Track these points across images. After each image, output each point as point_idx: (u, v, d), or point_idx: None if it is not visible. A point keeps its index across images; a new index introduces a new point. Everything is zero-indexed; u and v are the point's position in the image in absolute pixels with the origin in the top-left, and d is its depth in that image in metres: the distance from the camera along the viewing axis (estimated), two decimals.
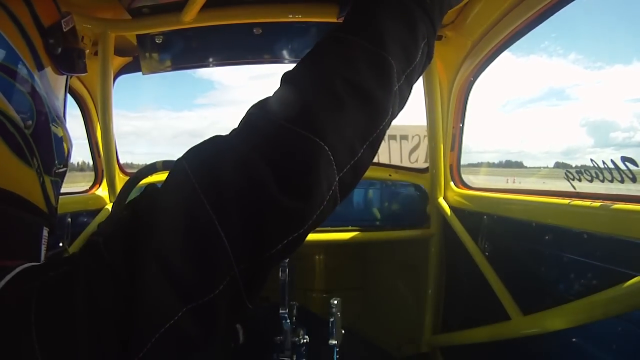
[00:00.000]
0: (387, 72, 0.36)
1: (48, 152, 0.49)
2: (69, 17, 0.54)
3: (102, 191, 1.49)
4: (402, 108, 0.40)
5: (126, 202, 1.11)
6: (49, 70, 0.50)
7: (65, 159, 0.54)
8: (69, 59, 0.53)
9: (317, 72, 0.35)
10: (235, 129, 0.35)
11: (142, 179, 1.14)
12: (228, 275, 0.30)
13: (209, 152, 0.33)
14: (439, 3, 0.42)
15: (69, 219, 1.31)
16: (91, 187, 1.52)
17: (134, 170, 1.40)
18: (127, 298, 0.28)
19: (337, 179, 0.32)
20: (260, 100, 0.36)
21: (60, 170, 0.53)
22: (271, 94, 0.36)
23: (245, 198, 0.30)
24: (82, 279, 0.29)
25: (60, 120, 0.52)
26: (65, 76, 0.55)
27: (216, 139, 0.34)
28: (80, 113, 1.45)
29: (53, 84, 0.50)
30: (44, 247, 0.47)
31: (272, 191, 0.30)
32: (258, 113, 0.34)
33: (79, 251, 0.32)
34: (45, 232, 0.47)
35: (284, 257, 0.34)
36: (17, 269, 0.33)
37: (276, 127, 0.32)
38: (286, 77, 0.36)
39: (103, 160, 1.41)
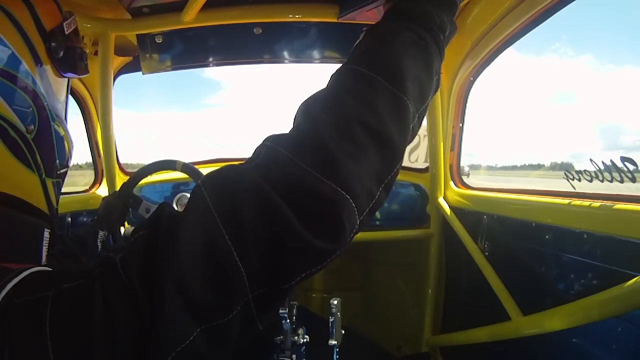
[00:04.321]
0: (405, 116, 0.37)
1: (50, 155, 0.49)
2: (71, 19, 0.54)
3: (102, 191, 1.49)
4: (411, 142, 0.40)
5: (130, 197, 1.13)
6: (50, 72, 0.50)
7: (66, 160, 0.54)
8: (70, 61, 0.53)
9: (339, 115, 0.35)
10: (253, 159, 0.35)
11: (156, 171, 1.16)
12: (242, 301, 0.31)
13: (229, 184, 0.33)
14: (448, 38, 0.43)
15: (69, 219, 1.31)
16: (91, 187, 1.52)
17: (134, 170, 1.40)
18: (144, 317, 0.29)
19: (358, 222, 0.33)
20: (281, 135, 0.36)
21: (61, 171, 0.53)
22: (291, 128, 0.36)
23: (264, 233, 0.31)
24: (99, 294, 0.30)
25: (62, 122, 0.52)
26: (66, 79, 0.55)
27: (236, 170, 0.34)
28: (80, 113, 1.46)
29: (54, 85, 0.50)
30: (44, 249, 0.47)
31: (294, 230, 0.31)
32: (279, 150, 0.34)
33: (94, 267, 0.33)
34: (46, 234, 0.47)
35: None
36: (24, 273, 0.33)
37: (298, 169, 0.32)
38: (307, 112, 0.36)
39: (103, 160, 1.41)
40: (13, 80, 0.43)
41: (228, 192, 0.32)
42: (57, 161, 0.51)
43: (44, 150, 0.48)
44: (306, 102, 0.38)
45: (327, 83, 0.39)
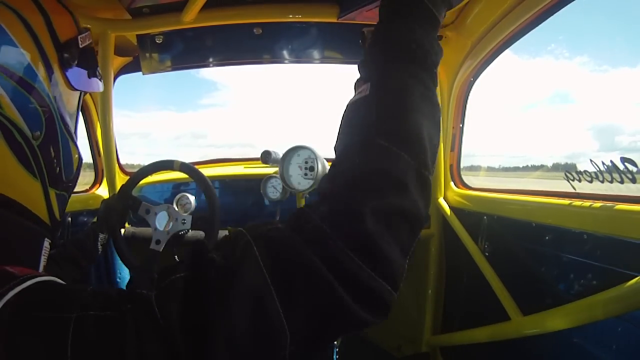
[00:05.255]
0: (429, 189, 0.39)
1: (55, 166, 0.49)
2: (86, 33, 0.55)
3: (102, 191, 1.49)
4: None
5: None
6: (61, 83, 0.49)
7: (73, 174, 0.54)
8: (83, 76, 0.53)
9: (377, 201, 0.35)
10: (299, 224, 0.36)
11: (154, 172, 1.16)
12: (281, 356, 0.33)
13: (282, 252, 0.34)
14: (438, 65, 0.44)
15: (69, 219, 1.31)
16: (91, 187, 1.52)
17: (134, 171, 1.40)
18: (178, 359, 0.30)
19: (394, 296, 0.36)
20: (323, 212, 0.36)
21: (67, 185, 0.52)
22: (331, 205, 0.37)
23: (315, 301, 0.33)
24: (132, 329, 0.30)
25: (71, 136, 0.52)
26: (78, 92, 0.55)
27: (288, 238, 0.35)
28: (80, 113, 1.45)
29: (65, 97, 0.50)
30: (43, 259, 0.46)
31: (348, 308, 0.33)
32: (325, 229, 0.35)
33: (123, 298, 0.33)
34: (46, 244, 0.47)
35: None
36: (29, 282, 0.33)
37: (344, 255, 0.33)
38: (340, 196, 0.37)
39: (103, 159, 1.41)
40: (22, 85, 0.43)
41: (282, 260, 0.34)
42: (63, 173, 0.50)
43: (50, 158, 0.47)
44: (334, 178, 0.38)
45: (346, 146, 0.40)
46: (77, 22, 0.54)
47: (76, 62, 0.51)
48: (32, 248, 0.45)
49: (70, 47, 0.50)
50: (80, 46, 0.52)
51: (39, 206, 0.47)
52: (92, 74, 0.56)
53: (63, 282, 0.37)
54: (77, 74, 0.52)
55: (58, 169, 0.49)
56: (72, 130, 0.53)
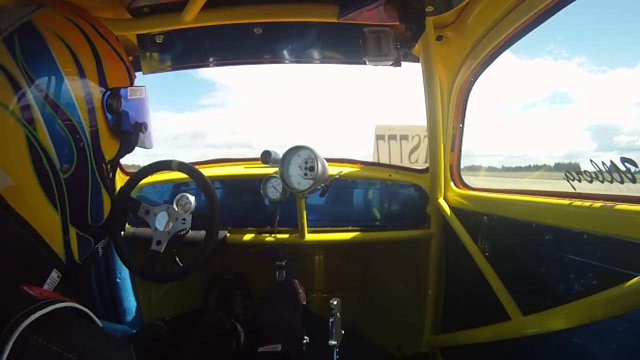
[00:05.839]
0: None
1: (80, 204, 0.49)
2: (141, 87, 0.56)
3: None
4: None
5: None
6: (102, 128, 0.50)
7: (101, 219, 0.53)
8: (126, 128, 0.53)
9: None
10: None
11: (153, 173, 1.17)
12: None
13: None
14: None
15: None
16: None
17: (134, 171, 1.40)
18: None
19: None
20: None
21: (94, 229, 0.52)
22: None
23: None
24: None
25: (104, 181, 0.52)
26: (118, 144, 0.54)
27: None
28: None
29: (104, 143, 0.50)
30: (47, 286, 0.45)
31: None
32: None
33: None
34: (54, 274, 0.46)
35: None
36: (50, 308, 0.34)
37: None
38: None
39: None
40: (62, 117, 0.44)
41: None
42: (89, 216, 0.50)
43: (76, 196, 0.47)
44: None
45: None
46: (132, 75, 0.55)
47: (120, 109, 0.52)
48: (36, 272, 0.44)
49: (117, 94, 0.51)
50: (129, 97, 0.53)
51: (56, 240, 0.46)
52: (139, 128, 0.56)
53: (81, 308, 0.38)
54: (120, 124, 0.52)
55: (83, 208, 0.49)
56: (107, 177, 0.53)
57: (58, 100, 0.43)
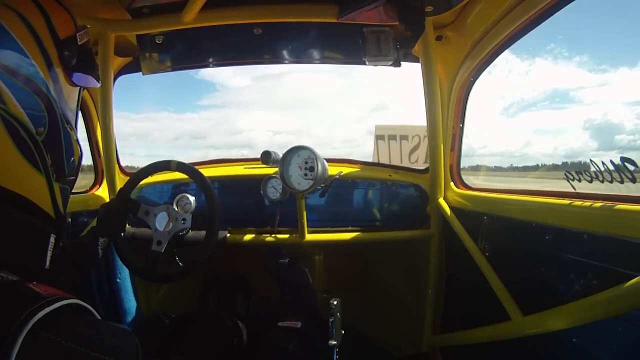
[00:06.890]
0: None
1: (59, 159, 0.50)
2: (84, 30, 0.56)
3: (102, 191, 1.49)
4: None
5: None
6: (62, 79, 0.51)
7: (75, 167, 0.55)
8: (82, 71, 0.55)
9: None
10: None
11: (152, 173, 1.17)
12: None
13: None
14: None
15: (69, 219, 1.31)
16: (91, 187, 1.52)
17: (134, 172, 1.40)
18: None
19: None
20: None
21: (70, 178, 0.54)
22: None
23: None
24: None
25: (72, 130, 0.54)
26: (77, 88, 0.56)
27: None
28: (80, 113, 1.45)
29: (66, 92, 0.52)
30: (49, 254, 0.48)
31: None
32: None
33: None
34: (52, 239, 0.48)
35: None
36: (56, 305, 0.35)
37: None
38: None
39: (103, 160, 1.41)
40: (26, 83, 0.44)
41: None
42: (66, 166, 0.52)
43: (54, 153, 0.49)
44: None
45: None
46: (75, 20, 0.55)
47: (75, 59, 0.53)
48: (39, 246, 0.46)
49: (70, 44, 0.52)
50: (79, 43, 0.54)
51: (45, 200, 0.48)
52: (90, 70, 0.57)
53: (85, 305, 0.39)
54: (77, 70, 0.53)
55: (61, 162, 0.50)
56: (73, 124, 0.55)
57: (19, 69, 0.43)
